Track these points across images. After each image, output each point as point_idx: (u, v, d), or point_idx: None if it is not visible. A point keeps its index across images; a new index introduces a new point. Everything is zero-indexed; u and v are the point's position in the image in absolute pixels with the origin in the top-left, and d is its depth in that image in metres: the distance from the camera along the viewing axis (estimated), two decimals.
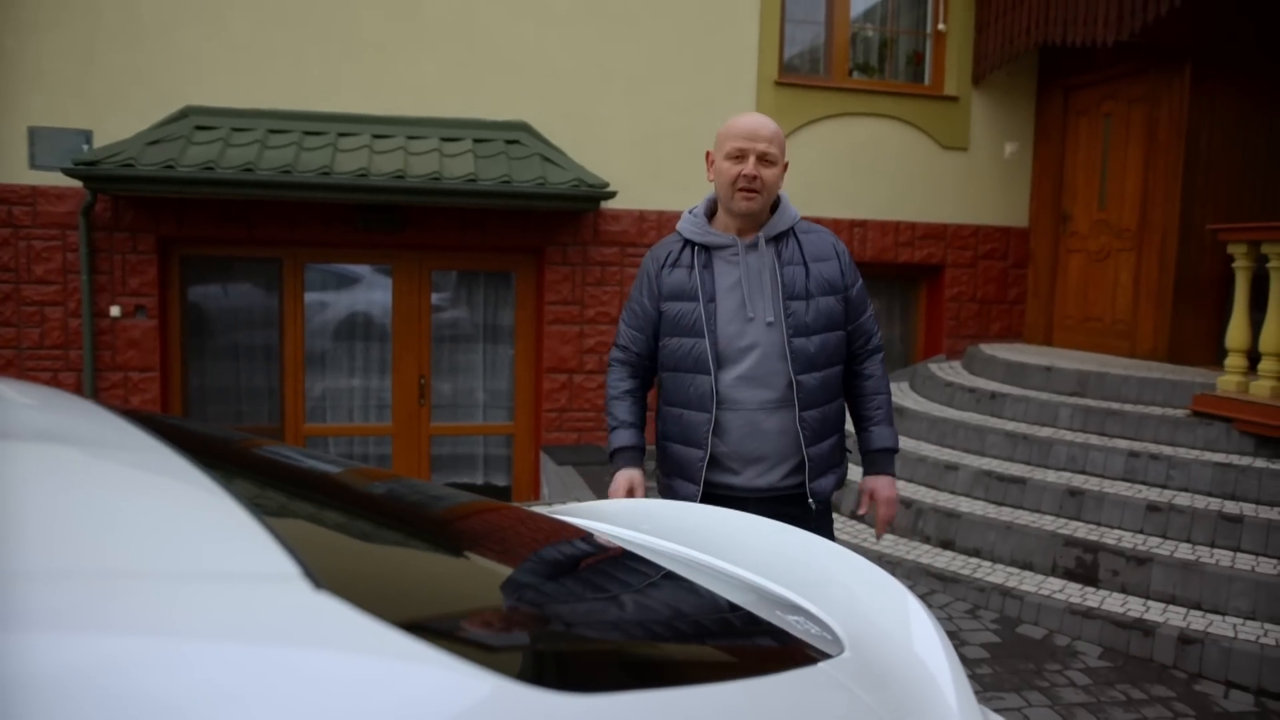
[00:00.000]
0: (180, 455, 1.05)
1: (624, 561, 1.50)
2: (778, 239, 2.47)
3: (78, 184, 5.86)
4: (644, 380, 2.63)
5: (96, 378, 6.15)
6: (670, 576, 1.47)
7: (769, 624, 1.32)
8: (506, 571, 1.35)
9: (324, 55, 6.37)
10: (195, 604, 0.71)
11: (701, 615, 1.35)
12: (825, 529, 2.54)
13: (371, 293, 6.99)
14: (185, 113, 6.15)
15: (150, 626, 0.67)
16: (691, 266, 2.46)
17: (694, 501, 2.41)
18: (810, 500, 2.47)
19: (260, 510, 0.91)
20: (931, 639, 1.40)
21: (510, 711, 0.73)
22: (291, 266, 6.63)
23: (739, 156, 2.37)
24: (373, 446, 6.99)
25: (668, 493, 2.57)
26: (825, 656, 1.22)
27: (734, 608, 1.37)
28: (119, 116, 6.07)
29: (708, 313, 2.42)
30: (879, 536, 2.70)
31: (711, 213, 2.54)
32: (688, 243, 2.50)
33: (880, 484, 2.60)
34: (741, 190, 2.37)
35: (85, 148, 5.99)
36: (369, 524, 1.33)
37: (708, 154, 2.49)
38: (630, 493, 2.46)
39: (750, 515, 2.04)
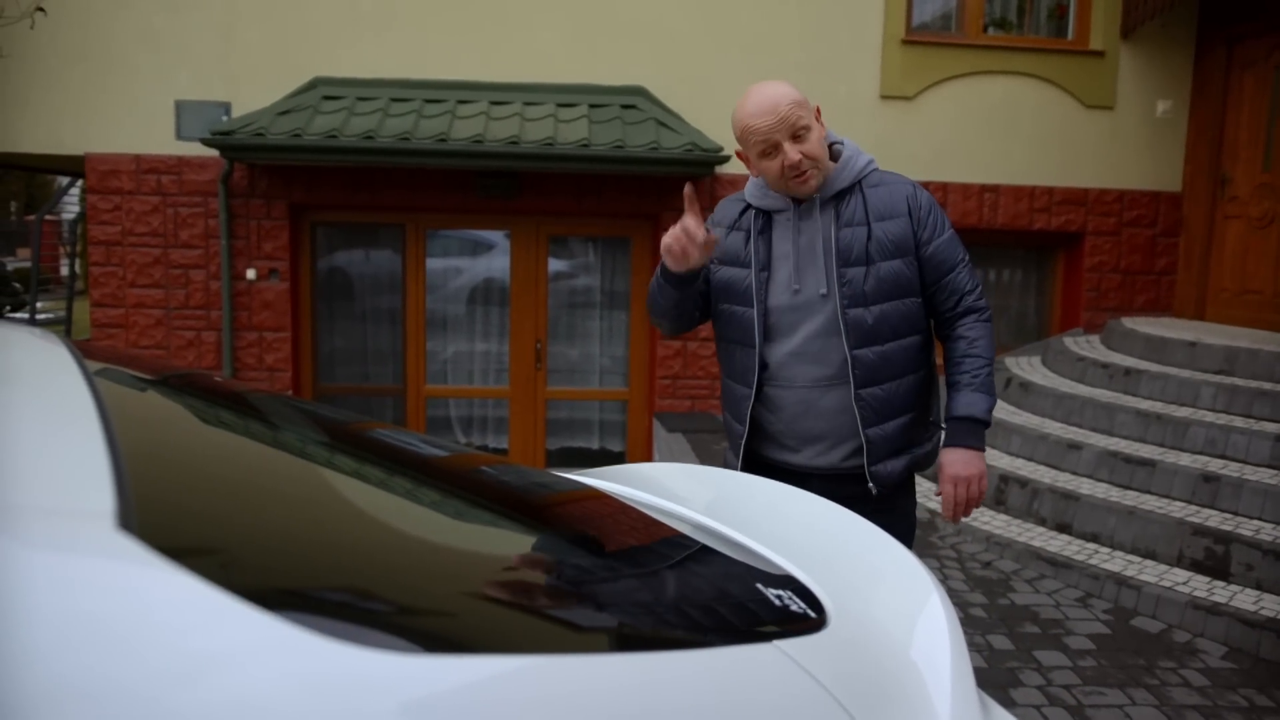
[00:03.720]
0: (90, 392, 1.07)
1: (536, 515, 1.44)
2: (838, 197, 2.25)
3: (218, 153, 6.19)
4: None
5: (234, 337, 6.53)
6: (617, 532, 1.40)
7: (733, 596, 1.25)
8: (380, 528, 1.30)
9: (445, 24, 6.50)
10: None
11: (648, 581, 1.28)
12: (897, 515, 2.29)
13: (493, 259, 7.12)
14: (314, 84, 6.41)
15: None
16: (748, 231, 2.31)
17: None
18: (871, 485, 2.26)
19: (124, 453, 0.91)
20: (941, 636, 1.31)
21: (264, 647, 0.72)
22: (414, 232, 6.84)
23: (772, 149, 2.14)
24: (491, 409, 7.16)
25: (725, 464, 2.49)
26: (786, 635, 1.14)
27: (699, 577, 1.30)
28: (254, 89, 6.38)
29: (759, 281, 2.27)
30: (950, 519, 2.31)
31: None
32: (749, 205, 2.34)
33: (951, 458, 2.25)
34: (794, 178, 2.17)
35: (224, 119, 6.33)
36: (270, 473, 1.31)
37: (737, 153, 2.26)
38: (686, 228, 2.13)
39: (787, 486, 1.96)
